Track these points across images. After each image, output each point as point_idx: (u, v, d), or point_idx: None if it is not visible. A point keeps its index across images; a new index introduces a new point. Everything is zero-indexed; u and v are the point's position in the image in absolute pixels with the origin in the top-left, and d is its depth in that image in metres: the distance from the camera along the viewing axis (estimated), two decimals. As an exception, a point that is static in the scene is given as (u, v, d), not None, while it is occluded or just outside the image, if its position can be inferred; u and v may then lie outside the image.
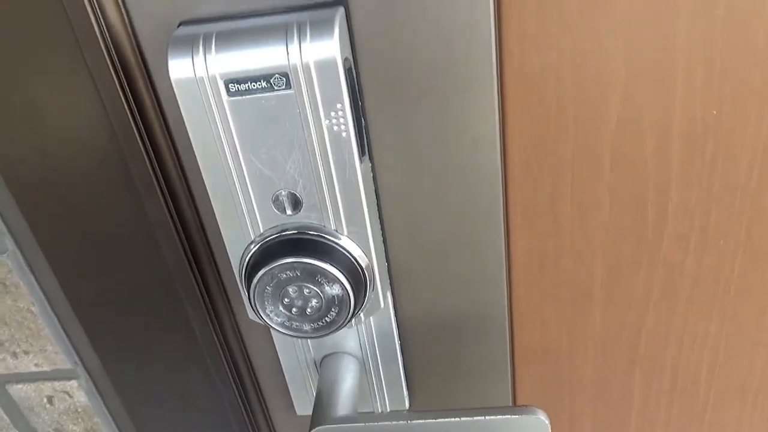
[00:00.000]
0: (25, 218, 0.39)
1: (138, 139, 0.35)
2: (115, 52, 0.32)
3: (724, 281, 0.40)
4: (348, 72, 0.30)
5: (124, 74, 0.33)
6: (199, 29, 0.31)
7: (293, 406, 0.47)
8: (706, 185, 0.36)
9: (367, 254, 0.35)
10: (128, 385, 0.48)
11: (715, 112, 0.33)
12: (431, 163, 0.35)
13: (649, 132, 0.34)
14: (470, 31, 0.31)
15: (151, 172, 0.36)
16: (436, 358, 0.44)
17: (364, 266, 0.35)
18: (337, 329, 0.36)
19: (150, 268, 0.40)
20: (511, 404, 0.46)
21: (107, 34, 0.32)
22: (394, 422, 0.37)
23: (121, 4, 0.32)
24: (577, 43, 0.32)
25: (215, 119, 0.31)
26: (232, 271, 0.38)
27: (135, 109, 0.34)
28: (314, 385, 0.45)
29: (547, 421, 0.36)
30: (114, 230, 0.39)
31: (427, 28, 0.31)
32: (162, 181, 0.37)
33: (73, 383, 0.49)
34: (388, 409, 0.46)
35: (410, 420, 0.37)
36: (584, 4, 0.31)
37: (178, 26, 0.32)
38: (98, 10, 0.31)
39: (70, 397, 0.50)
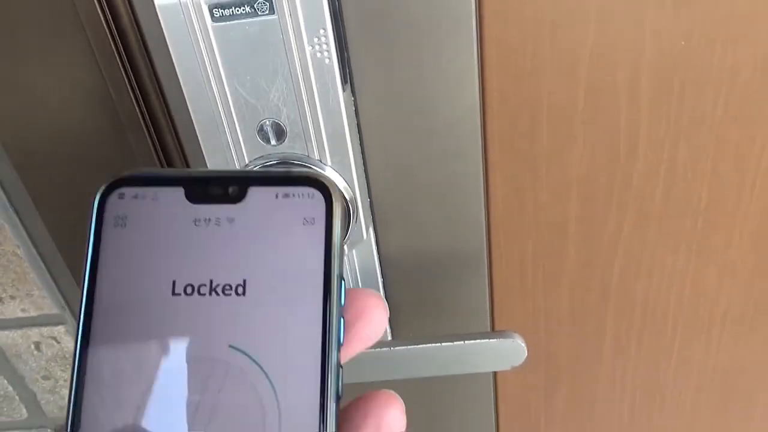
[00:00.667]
0: (9, 157, 0.39)
1: (123, 73, 0.35)
2: (98, -19, 0.33)
3: (692, 214, 0.41)
4: (330, -2, 0.31)
5: (107, 3, 0.33)
6: (182, -44, 0.31)
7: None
8: (675, 117, 0.37)
9: (350, 185, 0.36)
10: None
11: (683, 43, 0.35)
12: (412, 96, 0.36)
13: (621, 64, 0.35)
14: (449, -41, 0.32)
15: (135, 105, 0.36)
16: (416, 293, 0.45)
17: (347, 197, 0.36)
18: (322, 259, 0.37)
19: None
20: (489, 340, 0.48)
21: (90, -38, 0.32)
22: (378, 349, 0.38)
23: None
24: (552, -26, 0.33)
25: (200, 46, 0.31)
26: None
27: (118, 38, 0.34)
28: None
29: (523, 344, 0.38)
30: (98, 169, 0.39)
31: (407, -44, 0.32)
32: (147, 117, 0.37)
33: (61, 328, 0.50)
34: (372, 347, 0.48)
35: (393, 347, 0.38)
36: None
37: (161, -45, 0.32)
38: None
39: (58, 342, 0.51)
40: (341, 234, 0.20)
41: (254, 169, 0.35)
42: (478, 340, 0.37)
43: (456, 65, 0.35)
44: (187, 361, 0.20)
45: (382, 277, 0.44)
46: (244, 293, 0.20)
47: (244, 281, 0.20)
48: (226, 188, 0.20)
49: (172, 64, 0.32)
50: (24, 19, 0.34)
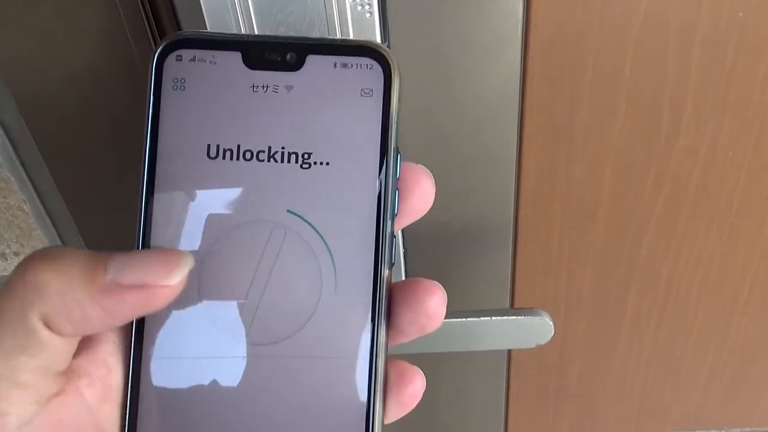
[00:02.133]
0: (17, 106, 0.37)
1: (144, 19, 0.33)
2: None
3: (727, 195, 0.40)
4: (376, -54, 0.29)
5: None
6: None
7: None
8: (723, 94, 0.36)
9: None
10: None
11: (741, 14, 0.33)
12: (448, 59, 0.34)
13: (673, 33, 0.34)
14: None
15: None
16: (438, 264, 0.44)
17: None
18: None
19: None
20: (508, 315, 0.47)
21: None
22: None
23: None
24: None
25: (232, -8, 0.29)
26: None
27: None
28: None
29: (551, 322, 0.37)
30: (113, 124, 0.37)
31: None
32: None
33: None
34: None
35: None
36: None
37: None
38: None
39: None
40: (398, 106, 0.20)
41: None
42: (505, 317, 0.36)
43: (498, 27, 0.33)
44: (246, 224, 0.20)
45: (404, 249, 0.43)
46: (301, 161, 0.20)
47: (302, 149, 0.20)
48: (284, 54, 0.20)
49: (198, 7, 0.30)
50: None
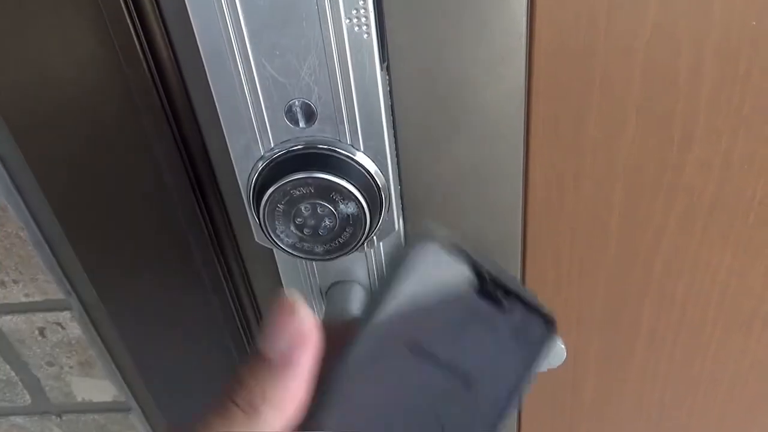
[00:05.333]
0: (11, 132, 0.36)
1: (137, 43, 0.32)
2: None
3: (744, 209, 0.39)
4: (371, -35, 0.28)
5: (120, -33, 0.30)
6: None
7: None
8: (737, 105, 0.34)
9: (384, 172, 0.33)
10: (124, 316, 0.46)
11: (754, 23, 0.31)
12: (452, 77, 0.33)
13: (684, 45, 0.32)
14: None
15: (151, 81, 0.33)
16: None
17: (380, 184, 0.33)
18: (350, 251, 0.34)
19: (148, 189, 0.38)
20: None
21: None
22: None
23: None
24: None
25: (224, 15, 0.28)
26: (235, 194, 0.36)
27: (132, 7, 0.31)
28: (321, 316, 0.44)
29: (563, 346, 0.35)
30: (109, 148, 0.36)
31: None
32: (162, 93, 0.34)
33: (66, 314, 0.47)
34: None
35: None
36: None
37: None
38: None
39: (63, 328, 0.48)
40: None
41: (281, 153, 0.32)
42: (515, 341, 0.35)
43: (501, 42, 0.32)
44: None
45: (410, 268, 0.41)
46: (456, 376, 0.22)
47: (476, 373, 0.22)
48: (506, 296, 0.22)
49: (192, 34, 0.29)
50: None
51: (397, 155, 0.36)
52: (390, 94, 0.34)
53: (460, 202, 0.38)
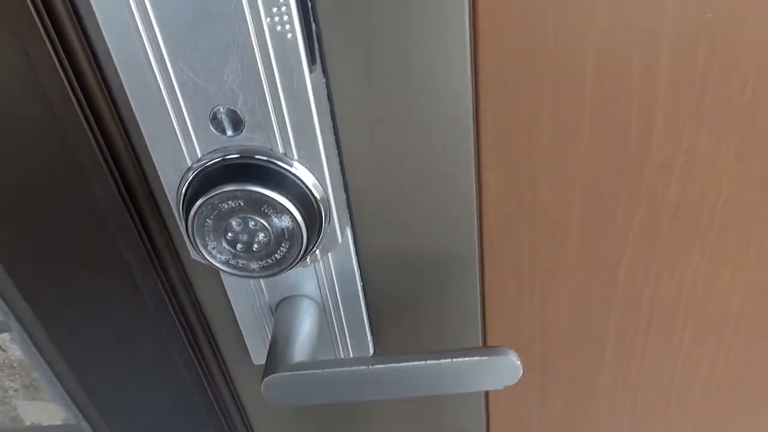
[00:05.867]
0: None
1: (52, 53, 0.29)
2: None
3: (708, 210, 0.37)
4: (292, -41, 0.25)
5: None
6: None
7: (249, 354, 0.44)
8: (696, 102, 0.33)
9: (322, 182, 0.31)
10: (67, 335, 0.43)
11: (710, 16, 0.29)
12: (394, 78, 0.31)
13: (636, 42, 0.30)
14: None
15: (69, 90, 0.31)
16: (401, 299, 0.41)
17: (318, 196, 0.31)
18: (289, 267, 0.32)
19: (78, 204, 0.35)
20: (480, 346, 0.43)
21: None
22: (355, 368, 0.34)
23: None
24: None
25: (135, 20, 0.26)
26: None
27: (46, 17, 0.29)
28: (270, 331, 0.42)
29: (518, 362, 0.33)
30: (33, 161, 0.34)
31: None
32: (81, 96, 0.32)
33: (5, 336, 0.45)
34: (351, 355, 0.43)
35: (371, 365, 0.34)
36: None
37: None
38: None
39: (4, 351, 0.46)
40: None
41: (209, 164, 0.30)
42: (467, 358, 0.33)
43: (445, 43, 0.30)
44: None
45: (362, 281, 0.39)
46: None
47: None
48: None
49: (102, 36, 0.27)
50: None
51: (341, 164, 0.34)
52: (329, 97, 0.32)
53: (411, 213, 0.36)
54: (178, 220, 0.32)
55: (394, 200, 0.36)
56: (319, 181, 0.31)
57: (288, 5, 0.26)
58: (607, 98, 0.32)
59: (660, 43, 0.30)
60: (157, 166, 0.31)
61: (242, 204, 0.29)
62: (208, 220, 0.30)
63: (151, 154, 0.30)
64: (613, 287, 0.41)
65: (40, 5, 0.28)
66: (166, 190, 0.32)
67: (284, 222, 0.30)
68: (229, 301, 0.41)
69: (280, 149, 0.30)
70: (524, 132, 0.34)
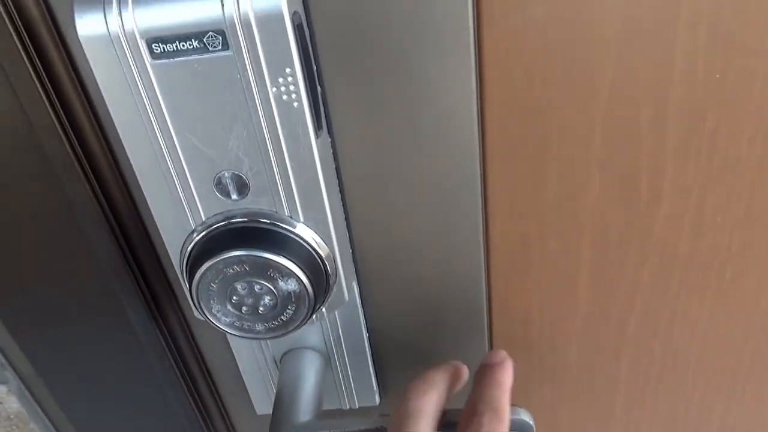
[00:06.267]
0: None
1: (50, 111, 0.29)
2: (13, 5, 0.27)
3: (720, 262, 0.36)
4: (298, 28, 0.25)
5: (26, 32, 0.27)
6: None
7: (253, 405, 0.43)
8: (706, 158, 0.32)
9: (328, 242, 0.31)
10: (66, 388, 0.43)
11: (718, 76, 0.29)
12: (400, 137, 0.31)
13: (645, 99, 0.30)
14: (443, -21, 0.26)
15: (70, 150, 0.30)
16: (408, 350, 0.40)
17: (324, 256, 0.31)
18: (296, 328, 0.31)
19: (80, 262, 0.35)
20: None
21: (2, -17, 0.26)
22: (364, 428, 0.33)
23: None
24: (566, -5, 0.27)
25: (138, 87, 0.26)
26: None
27: (44, 74, 0.28)
28: (275, 383, 0.41)
29: (531, 422, 0.33)
30: (35, 220, 0.33)
31: (391, -25, 0.26)
32: (84, 160, 0.31)
33: (2, 388, 0.44)
34: (357, 407, 0.42)
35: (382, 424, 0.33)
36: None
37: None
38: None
39: (0, 403, 0.45)
40: None
41: (213, 228, 0.29)
42: (478, 419, 0.32)
43: (451, 100, 0.30)
44: None
45: (368, 333, 0.39)
46: None
47: None
48: None
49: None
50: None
51: (347, 221, 0.34)
52: (334, 155, 0.31)
53: (419, 265, 0.36)
54: (181, 280, 0.32)
55: (401, 254, 0.35)
56: (324, 241, 0.31)
57: (294, 75, 0.25)
58: (615, 153, 0.32)
59: (668, 102, 0.30)
60: (160, 228, 0.30)
61: (248, 268, 0.29)
62: (212, 284, 0.29)
63: (155, 216, 0.30)
64: (622, 339, 0.40)
65: (41, 70, 0.28)
66: (169, 252, 0.31)
67: (291, 285, 0.29)
68: (232, 351, 0.40)
69: (286, 211, 0.29)
70: (532, 185, 0.33)
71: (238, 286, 0.29)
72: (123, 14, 0.24)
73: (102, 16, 0.24)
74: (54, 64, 0.28)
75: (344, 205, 0.33)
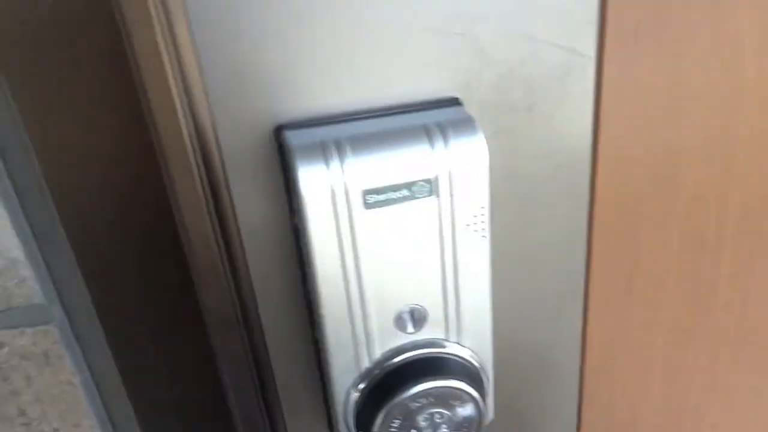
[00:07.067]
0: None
1: (222, 273, 0.29)
2: (204, 166, 0.27)
3: (763, 339, 0.43)
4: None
5: (212, 194, 0.28)
6: (319, 134, 0.27)
7: None
8: (748, 257, 0.40)
9: (483, 363, 0.32)
10: None
11: None
12: (522, 254, 0.34)
13: (712, 210, 0.37)
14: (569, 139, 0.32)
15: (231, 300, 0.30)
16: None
17: (485, 378, 0.32)
18: (461, 453, 0.32)
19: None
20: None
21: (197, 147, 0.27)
22: None
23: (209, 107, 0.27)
24: (661, 133, 0.34)
25: (347, 232, 0.27)
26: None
27: (220, 234, 0.28)
28: None
29: None
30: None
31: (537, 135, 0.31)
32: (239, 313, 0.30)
33: None
34: None
35: None
36: (669, 101, 0.33)
37: (276, 131, 0.28)
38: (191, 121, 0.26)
39: None
40: None
41: (391, 363, 0.30)
42: None
43: (565, 226, 0.34)
44: None
45: None
46: None
47: None
48: None
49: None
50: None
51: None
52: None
53: (521, 367, 0.38)
54: (341, 425, 0.31)
55: (507, 361, 0.38)
56: (483, 365, 0.32)
57: (485, 210, 0.28)
58: (688, 251, 0.38)
59: (728, 209, 0.37)
60: (331, 372, 0.30)
61: (433, 400, 0.29)
62: (394, 420, 0.29)
63: (328, 355, 0.30)
64: (683, 413, 0.44)
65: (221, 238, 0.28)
66: (333, 393, 0.31)
67: (467, 410, 0.30)
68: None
69: (453, 338, 0.31)
70: (623, 283, 0.38)
71: (420, 419, 0.30)
72: (345, 169, 0.26)
73: (324, 171, 0.26)
74: (229, 225, 0.29)
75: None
